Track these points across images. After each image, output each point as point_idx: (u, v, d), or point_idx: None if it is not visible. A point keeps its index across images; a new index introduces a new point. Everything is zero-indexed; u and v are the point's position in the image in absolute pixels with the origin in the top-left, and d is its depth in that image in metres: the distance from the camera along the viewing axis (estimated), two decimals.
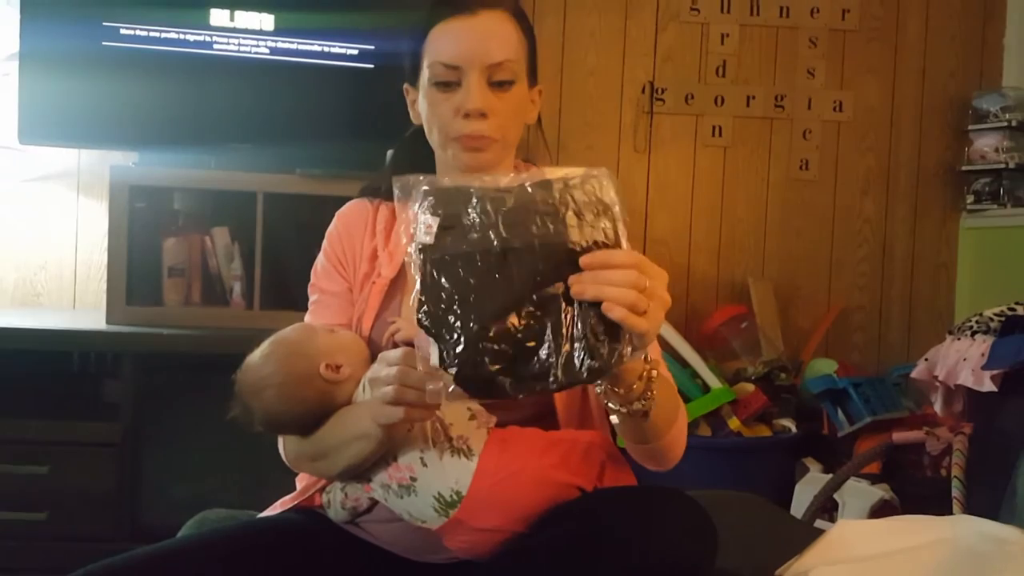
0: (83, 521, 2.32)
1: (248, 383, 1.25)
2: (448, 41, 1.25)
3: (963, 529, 1.29)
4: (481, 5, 1.25)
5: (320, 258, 1.41)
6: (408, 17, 1.34)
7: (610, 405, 1.11)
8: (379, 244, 1.35)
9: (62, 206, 2.85)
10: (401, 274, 1.34)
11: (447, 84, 1.25)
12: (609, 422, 1.19)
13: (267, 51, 2.55)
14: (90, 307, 2.84)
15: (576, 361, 0.95)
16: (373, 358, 1.28)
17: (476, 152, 1.27)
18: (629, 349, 0.97)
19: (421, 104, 1.30)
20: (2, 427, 2.31)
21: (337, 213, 1.42)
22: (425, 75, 1.27)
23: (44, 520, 2.30)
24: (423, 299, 0.96)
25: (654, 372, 1.10)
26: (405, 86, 1.35)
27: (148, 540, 1.23)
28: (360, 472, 1.22)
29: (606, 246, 0.97)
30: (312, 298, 1.40)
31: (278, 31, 2.55)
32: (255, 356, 1.27)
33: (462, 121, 1.25)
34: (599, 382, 1.06)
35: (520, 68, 1.28)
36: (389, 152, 1.46)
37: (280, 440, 1.32)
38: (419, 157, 1.35)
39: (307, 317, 1.40)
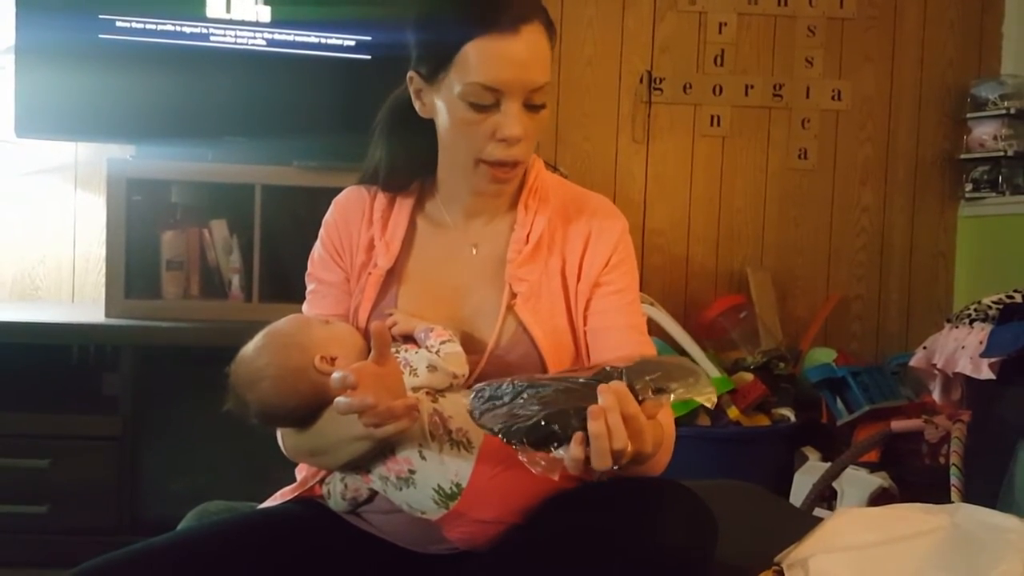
0: (83, 514, 2.32)
1: (242, 375, 1.24)
2: (491, 64, 1.19)
3: (961, 517, 1.29)
4: (522, 20, 1.20)
5: (317, 247, 1.39)
6: (405, 9, 1.32)
7: None
8: (376, 233, 1.34)
9: (60, 200, 2.85)
10: (397, 264, 1.33)
11: (485, 107, 1.21)
12: None
13: (264, 43, 2.55)
14: (89, 300, 2.84)
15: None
16: (369, 349, 1.29)
17: (503, 184, 1.28)
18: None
19: (439, 107, 1.26)
20: (2, 421, 2.31)
21: (334, 201, 1.41)
22: (456, 88, 1.21)
23: (44, 513, 2.30)
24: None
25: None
26: (411, 74, 1.29)
27: (148, 533, 1.23)
28: (360, 464, 1.22)
29: None
30: (309, 288, 1.39)
31: (275, 23, 2.54)
32: (249, 348, 1.26)
33: (496, 144, 1.23)
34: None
35: (550, 86, 1.25)
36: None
37: (279, 432, 1.32)
38: (416, 145, 1.34)
39: (304, 307, 1.39)
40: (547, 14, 1.25)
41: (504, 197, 1.34)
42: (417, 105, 1.31)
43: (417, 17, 1.28)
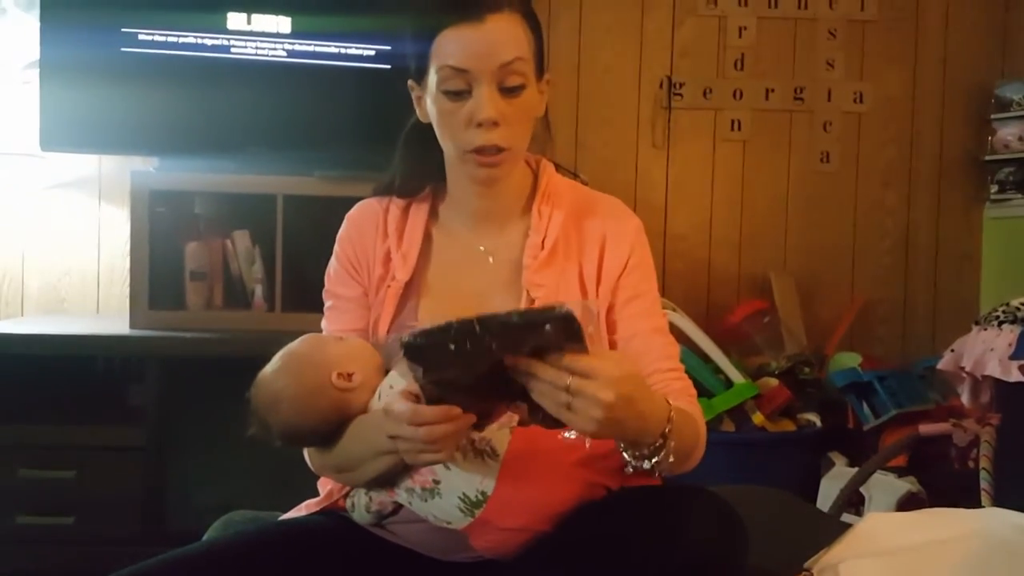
0: (109, 525, 2.33)
1: (262, 399, 1.25)
2: (457, 46, 1.23)
3: (994, 521, 1.28)
4: (489, 10, 1.23)
5: (333, 263, 1.40)
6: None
7: (625, 456, 1.13)
8: (392, 246, 1.34)
9: (84, 212, 2.87)
10: (416, 276, 1.34)
11: (457, 93, 1.23)
12: None
13: (284, 54, 2.56)
14: (113, 312, 2.85)
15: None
16: (386, 364, 1.28)
17: (491, 168, 1.27)
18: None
19: (429, 106, 1.29)
20: (29, 432, 2.33)
21: (347, 216, 1.41)
22: (433, 79, 1.25)
23: (71, 524, 2.32)
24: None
25: (671, 441, 1.11)
26: (410, 82, 1.33)
27: (174, 543, 1.24)
28: (386, 479, 1.22)
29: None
30: (327, 304, 1.39)
31: (295, 34, 2.56)
32: (267, 371, 1.27)
33: (475, 131, 1.24)
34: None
35: (529, 68, 1.26)
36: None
37: (306, 452, 1.33)
38: (427, 152, 1.35)
39: (323, 323, 1.39)
40: (526, 3, 1.28)
41: (501, 191, 1.34)
42: (418, 111, 1.34)
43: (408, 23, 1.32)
